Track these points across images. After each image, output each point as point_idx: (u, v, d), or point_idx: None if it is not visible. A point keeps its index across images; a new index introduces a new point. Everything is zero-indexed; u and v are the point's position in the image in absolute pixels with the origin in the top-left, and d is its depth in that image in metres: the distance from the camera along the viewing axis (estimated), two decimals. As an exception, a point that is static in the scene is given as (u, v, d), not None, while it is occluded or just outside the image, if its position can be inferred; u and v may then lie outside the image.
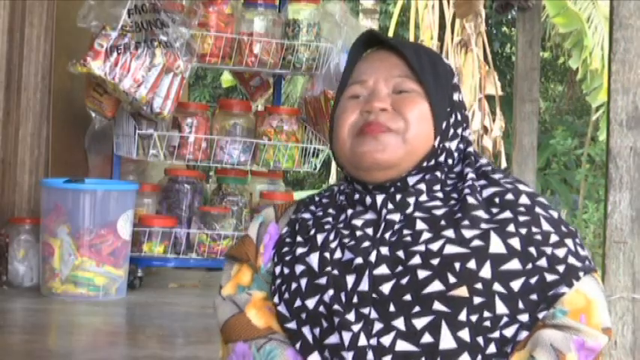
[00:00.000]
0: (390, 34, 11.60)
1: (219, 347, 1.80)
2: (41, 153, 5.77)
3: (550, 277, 1.64)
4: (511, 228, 1.67)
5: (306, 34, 5.58)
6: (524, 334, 1.62)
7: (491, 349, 1.61)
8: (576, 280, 1.65)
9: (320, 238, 1.73)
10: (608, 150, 3.86)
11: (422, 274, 1.63)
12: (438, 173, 1.74)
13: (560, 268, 1.65)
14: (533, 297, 1.63)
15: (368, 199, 1.73)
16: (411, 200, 1.71)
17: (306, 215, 1.80)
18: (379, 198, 1.72)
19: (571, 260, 1.66)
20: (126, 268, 5.10)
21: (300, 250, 1.73)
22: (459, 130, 1.78)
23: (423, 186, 1.73)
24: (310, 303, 1.68)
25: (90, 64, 5.03)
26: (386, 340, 1.62)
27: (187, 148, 5.39)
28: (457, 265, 1.63)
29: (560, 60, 15.30)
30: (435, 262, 1.63)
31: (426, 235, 1.67)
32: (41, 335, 4.30)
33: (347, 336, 1.64)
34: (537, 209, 1.70)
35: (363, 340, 1.63)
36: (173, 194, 5.56)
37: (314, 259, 1.71)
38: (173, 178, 5.60)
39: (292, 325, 1.70)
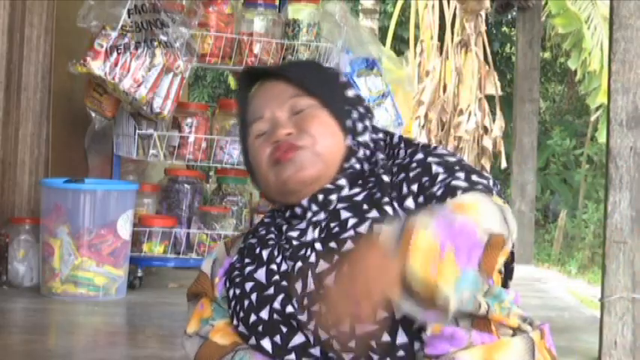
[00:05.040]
0: (390, 34, 11.59)
1: None
2: (41, 153, 5.77)
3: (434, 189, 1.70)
4: (404, 189, 1.73)
5: (306, 34, 5.57)
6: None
7: None
8: (453, 194, 1.66)
9: (265, 254, 1.80)
10: (608, 150, 3.86)
11: None
12: (357, 165, 1.79)
13: (443, 184, 1.69)
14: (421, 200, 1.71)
15: (297, 209, 1.79)
16: (334, 197, 1.77)
17: (253, 240, 1.86)
18: (305, 202, 1.79)
19: (457, 182, 1.68)
20: (126, 268, 5.10)
21: (248, 269, 1.80)
22: (367, 122, 1.84)
23: (343, 181, 1.78)
24: (264, 314, 1.74)
25: (90, 64, 5.02)
26: (345, 326, 1.62)
27: (187, 148, 5.39)
28: None
29: (559, 60, 15.29)
30: None
31: (352, 221, 1.73)
32: (41, 335, 4.30)
33: (310, 333, 1.70)
34: (430, 159, 1.74)
35: (324, 334, 1.69)
36: (173, 194, 5.56)
37: (261, 274, 1.78)
38: (173, 178, 5.60)
39: (252, 341, 1.75)
